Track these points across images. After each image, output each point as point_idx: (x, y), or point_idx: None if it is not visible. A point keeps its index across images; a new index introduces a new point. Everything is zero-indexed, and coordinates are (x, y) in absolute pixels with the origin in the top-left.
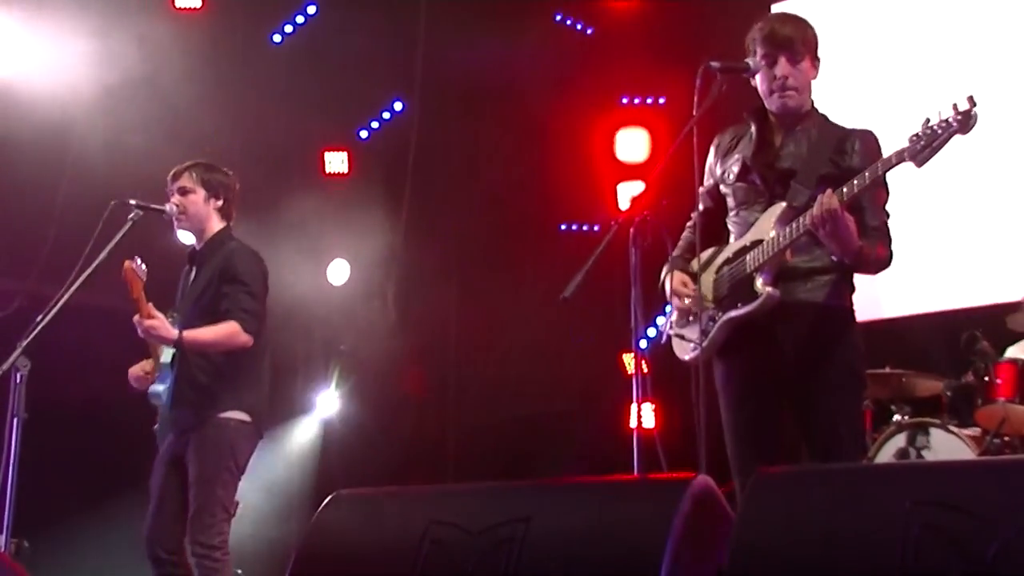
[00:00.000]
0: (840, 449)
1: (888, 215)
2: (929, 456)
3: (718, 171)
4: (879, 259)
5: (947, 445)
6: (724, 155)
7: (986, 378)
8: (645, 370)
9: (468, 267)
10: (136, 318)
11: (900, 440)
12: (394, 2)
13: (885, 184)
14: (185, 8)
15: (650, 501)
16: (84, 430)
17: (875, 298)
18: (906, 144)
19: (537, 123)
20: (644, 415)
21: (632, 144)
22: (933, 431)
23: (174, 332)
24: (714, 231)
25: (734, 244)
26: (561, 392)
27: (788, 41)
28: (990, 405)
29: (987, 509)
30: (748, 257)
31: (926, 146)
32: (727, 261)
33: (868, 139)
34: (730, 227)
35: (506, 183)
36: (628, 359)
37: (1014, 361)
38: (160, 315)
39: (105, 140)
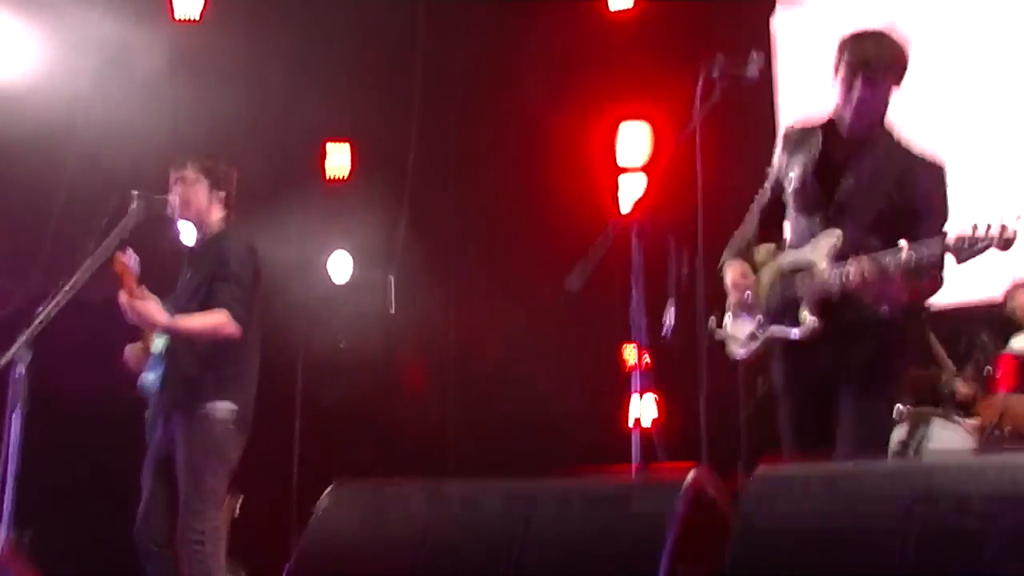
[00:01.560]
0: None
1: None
2: (930, 447)
3: (783, 163)
4: (927, 294)
5: (948, 437)
6: (791, 153)
7: (987, 370)
8: (647, 361)
9: (468, 267)
10: (125, 297)
11: (901, 432)
12: (394, 2)
13: (944, 208)
14: (184, 20)
15: (650, 501)
16: (85, 423)
17: None
18: (952, 240)
19: (537, 123)
20: (645, 407)
21: (632, 144)
22: (934, 422)
23: (164, 315)
24: (774, 221)
25: (790, 255)
26: (561, 389)
27: (870, 64)
28: (990, 397)
29: (987, 509)
30: (797, 280)
31: (967, 248)
32: (781, 273)
33: (931, 174)
34: (788, 227)
35: (506, 183)
36: (629, 353)
37: (1015, 353)
38: (153, 297)
39: (105, 142)
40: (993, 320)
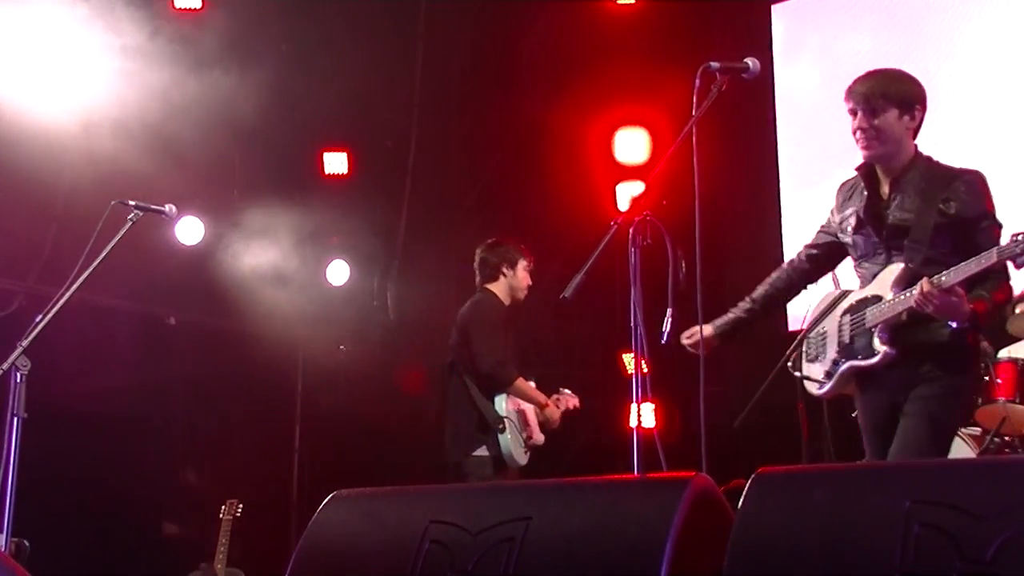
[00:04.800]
0: (923, 452)
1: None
2: None
3: (836, 219)
4: (998, 304)
5: None
6: (841, 205)
7: (986, 378)
8: (645, 370)
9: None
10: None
11: None
12: (394, 2)
13: (993, 211)
14: (185, 9)
15: (650, 501)
16: (84, 430)
17: None
18: (1008, 242)
19: (537, 123)
20: (644, 415)
21: (631, 144)
22: None
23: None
24: (808, 272)
25: (858, 292)
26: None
27: (862, 97)
28: (990, 404)
29: (987, 509)
30: (868, 312)
31: (1021, 252)
32: (850, 309)
33: (973, 183)
34: (856, 275)
35: (506, 183)
36: (628, 359)
37: (1014, 360)
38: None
39: (105, 140)
40: (992, 328)
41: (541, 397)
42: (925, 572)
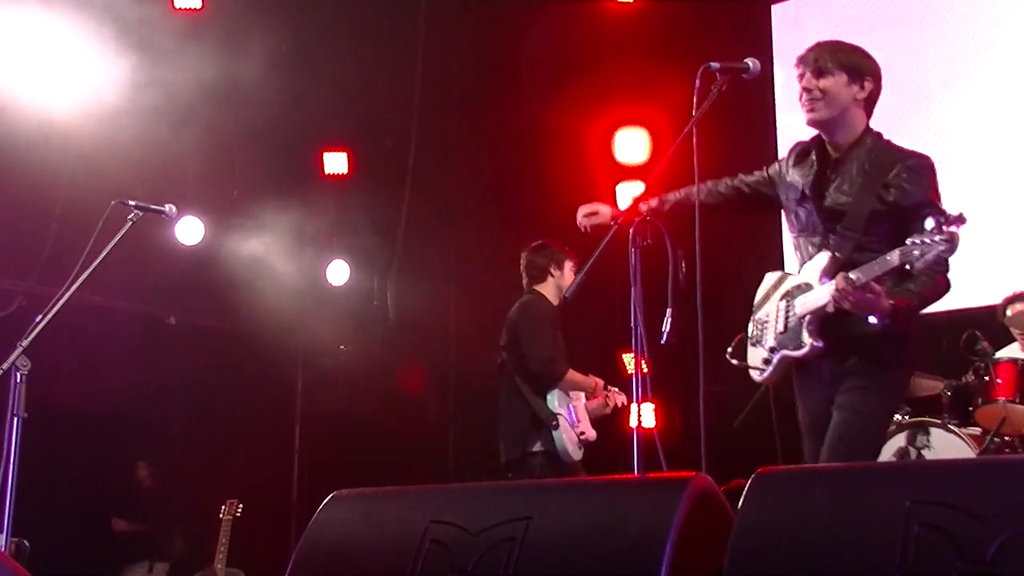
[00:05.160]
0: (850, 445)
1: None
2: (929, 455)
3: (784, 176)
4: (927, 300)
5: (947, 444)
6: (790, 168)
7: (986, 378)
8: (645, 370)
9: (468, 267)
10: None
11: (900, 440)
12: (394, 2)
13: (937, 202)
14: (185, 9)
15: (650, 501)
16: (84, 430)
17: None
18: (907, 244)
19: (537, 123)
20: (644, 415)
21: (631, 144)
22: (933, 431)
23: None
24: (726, 199)
25: (794, 278)
26: None
27: (811, 58)
28: (990, 405)
29: (987, 509)
30: (798, 301)
31: (920, 256)
32: (788, 294)
33: (916, 170)
34: (794, 250)
35: (505, 183)
36: (628, 359)
37: (1014, 360)
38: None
39: (105, 140)
40: (992, 327)
41: (592, 380)
42: (925, 572)
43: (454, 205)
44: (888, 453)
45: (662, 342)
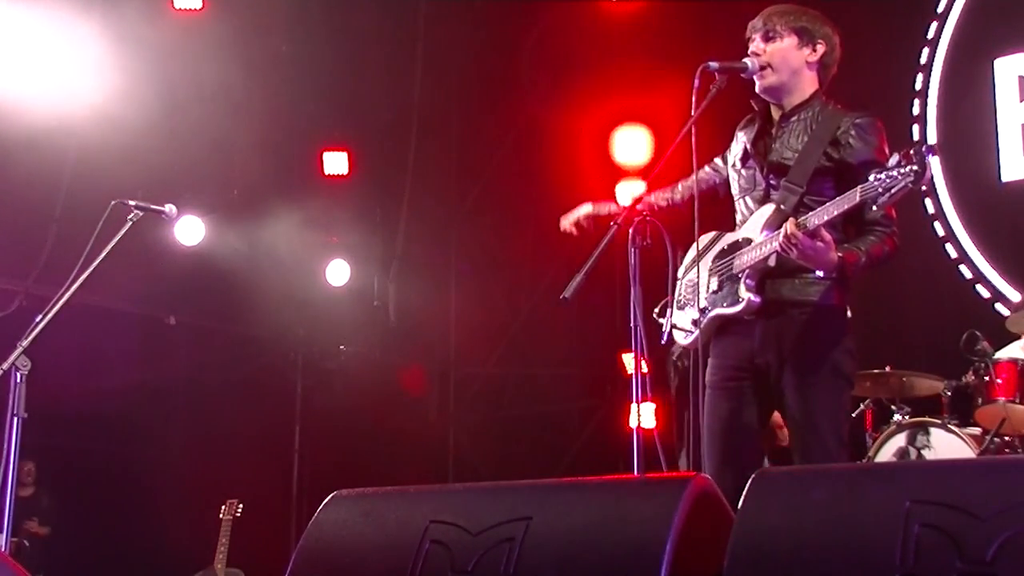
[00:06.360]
0: (818, 446)
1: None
2: (929, 455)
3: (731, 153)
4: (875, 259)
5: (947, 444)
6: (738, 134)
7: (986, 378)
8: (645, 370)
9: (468, 267)
10: None
11: (900, 440)
12: (394, 2)
13: (884, 160)
14: (185, 9)
15: (650, 501)
16: (84, 430)
17: None
18: (870, 181)
19: (536, 123)
20: (644, 415)
21: (631, 144)
22: (933, 431)
23: None
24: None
25: (730, 236)
26: (561, 392)
27: (760, 23)
28: (990, 405)
29: (987, 509)
30: (736, 257)
31: (884, 191)
32: (722, 252)
33: (865, 128)
34: (736, 212)
35: (505, 183)
36: (628, 359)
37: (1014, 360)
38: None
39: (105, 140)
40: (992, 327)
41: None
42: (925, 572)
43: (454, 205)
44: (888, 453)
45: (662, 342)
